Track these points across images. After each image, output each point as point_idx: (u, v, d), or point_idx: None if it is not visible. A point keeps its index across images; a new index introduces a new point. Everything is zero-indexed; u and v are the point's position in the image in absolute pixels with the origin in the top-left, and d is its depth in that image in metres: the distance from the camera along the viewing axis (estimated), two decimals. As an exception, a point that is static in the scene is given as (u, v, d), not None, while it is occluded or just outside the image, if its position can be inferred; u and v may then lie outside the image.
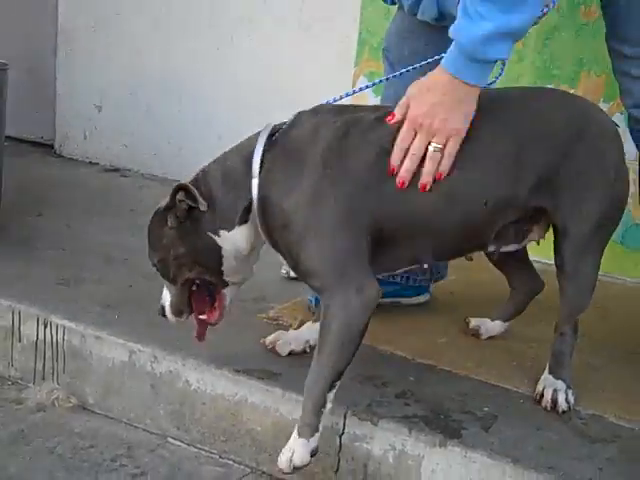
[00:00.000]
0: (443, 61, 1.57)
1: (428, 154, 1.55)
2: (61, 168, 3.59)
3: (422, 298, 2.25)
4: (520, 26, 1.54)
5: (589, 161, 1.67)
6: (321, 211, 1.54)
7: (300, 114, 1.68)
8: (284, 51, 3.21)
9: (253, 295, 2.22)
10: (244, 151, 1.66)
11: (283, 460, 1.52)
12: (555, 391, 1.71)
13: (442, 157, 1.56)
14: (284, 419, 1.70)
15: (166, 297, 1.72)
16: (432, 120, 1.54)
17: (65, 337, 1.97)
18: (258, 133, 1.68)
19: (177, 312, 1.71)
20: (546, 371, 1.76)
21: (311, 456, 1.52)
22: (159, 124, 3.51)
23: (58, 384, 1.99)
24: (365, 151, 1.58)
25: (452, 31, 1.56)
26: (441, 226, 1.61)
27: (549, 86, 2.64)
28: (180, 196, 1.61)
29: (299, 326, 2.01)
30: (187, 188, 1.60)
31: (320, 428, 1.52)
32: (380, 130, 1.60)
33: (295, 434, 1.53)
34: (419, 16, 1.92)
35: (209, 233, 1.63)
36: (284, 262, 1.71)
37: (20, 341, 2.04)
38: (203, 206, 1.59)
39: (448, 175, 1.57)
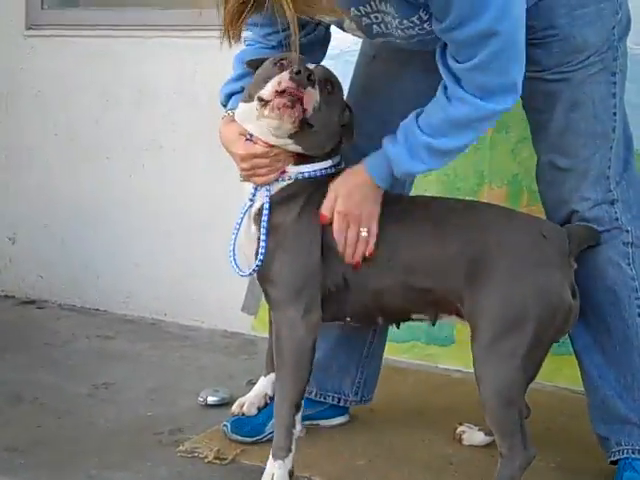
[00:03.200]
0: (369, 166, 1.79)
1: (360, 239, 1.78)
2: (-25, 304, 3.51)
3: (342, 419, 2.23)
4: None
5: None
6: (303, 236, 1.80)
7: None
8: (195, 173, 3.24)
9: (169, 427, 2.17)
10: None
11: None
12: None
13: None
14: None
15: None
16: (360, 213, 1.78)
17: (-32, 486, 1.88)
18: None
19: None
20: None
21: (289, 476, 1.75)
22: (75, 253, 3.48)
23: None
24: None
25: (389, 152, 1.75)
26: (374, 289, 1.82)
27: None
28: None
29: (215, 457, 1.97)
30: None
31: (293, 449, 1.75)
32: None
33: (271, 458, 1.76)
34: None
35: None
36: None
37: None
38: None
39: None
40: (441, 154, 1.73)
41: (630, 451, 1.79)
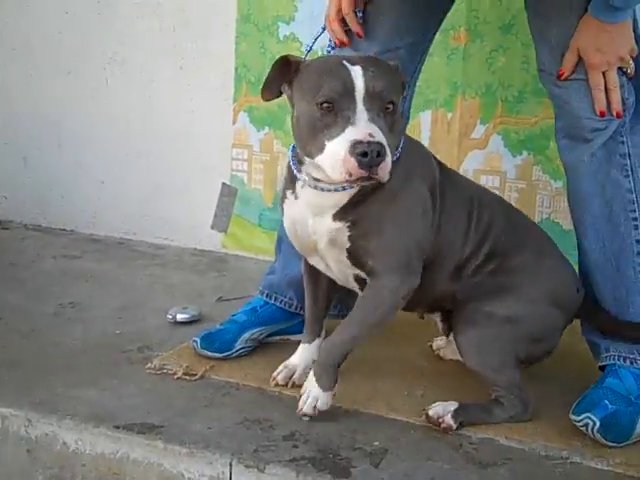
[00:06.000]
0: (594, 12, 1.70)
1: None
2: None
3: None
4: None
5: None
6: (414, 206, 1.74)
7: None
8: (161, 90, 3.15)
9: (137, 344, 2.14)
10: None
11: (308, 406, 1.73)
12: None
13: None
14: (168, 472, 1.62)
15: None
16: (611, 52, 1.73)
17: None
18: None
19: None
20: None
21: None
22: (39, 172, 3.40)
23: None
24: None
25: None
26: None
27: (427, 111, 2.68)
28: None
29: (184, 373, 1.95)
30: None
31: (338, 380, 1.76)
32: None
33: (315, 384, 1.74)
34: None
35: None
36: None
37: None
38: None
39: None
40: None
41: (617, 357, 1.79)
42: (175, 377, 1.94)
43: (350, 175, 1.49)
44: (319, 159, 1.56)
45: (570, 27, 1.75)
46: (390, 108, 1.57)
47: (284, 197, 1.80)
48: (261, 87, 1.67)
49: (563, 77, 1.78)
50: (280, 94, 1.69)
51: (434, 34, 2.10)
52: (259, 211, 3.05)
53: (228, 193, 3.08)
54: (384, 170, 1.51)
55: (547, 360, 1.88)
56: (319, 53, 2.20)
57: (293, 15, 2.93)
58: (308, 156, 1.61)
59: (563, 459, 1.62)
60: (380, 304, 1.72)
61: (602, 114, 1.76)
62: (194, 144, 3.14)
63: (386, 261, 1.70)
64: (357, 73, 1.55)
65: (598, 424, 1.64)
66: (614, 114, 1.77)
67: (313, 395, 1.74)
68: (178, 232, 3.18)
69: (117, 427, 1.69)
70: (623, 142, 1.80)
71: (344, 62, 1.57)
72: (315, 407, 1.73)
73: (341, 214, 1.69)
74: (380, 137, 1.50)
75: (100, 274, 2.78)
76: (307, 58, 1.70)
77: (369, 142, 1.48)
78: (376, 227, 1.68)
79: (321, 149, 1.54)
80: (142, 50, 3.16)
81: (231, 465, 1.59)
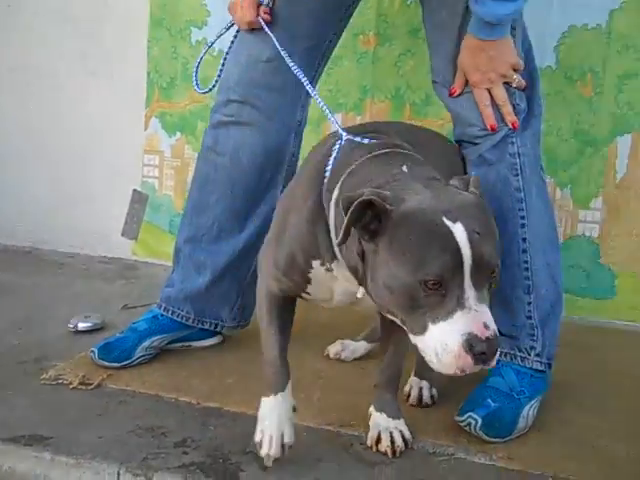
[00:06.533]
0: (474, 31, 1.74)
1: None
2: None
3: (215, 340, 2.22)
4: None
5: None
6: None
7: None
8: (71, 96, 3.12)
9: (35, 355, 2.11)
10: None
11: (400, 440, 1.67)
12: (421, 389, 1.89)
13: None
14: (55, 485, 1.61)
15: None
16: (495, 68, 1.77)
17: None
18: None
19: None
20: (412, 374, 1.91)
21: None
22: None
23: None
24: None
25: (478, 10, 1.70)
26: None
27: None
28: None
29: (80, 383, 1.93)
30: None
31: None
32: None
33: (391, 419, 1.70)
34: None
35: None
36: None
37: None
38: None
39: None
40: None
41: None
42: (70, 387, 1.92)
43: (462, 371, 1.28)
44: (419, 340, 1.31)
45: (459, 44, 1.80)
46: (495, 275, 1.32)
47: (308, 267, 1.54)
48: (340, 235, 1.34)
49: (455, 95, 1.83)
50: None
51: (333, 41, 2.11)
52: (170, 217, 3.04)
53: (139, 200, 3.06)
54: (495, 358, 1.30)
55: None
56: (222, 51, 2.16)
57: (205, 20, 2.94)
58: (390, 316, 1.38)
59: (449, 455, 1.65)
60: None
61: (492, 129, 1.81)
62: (105, 150, 3.11)
63: None
64: (462, 237, 1.27)
65: (480, 422, 1.68)
66: (510, 126, 1.81)
67: (400, 428, 1.69)
68: (88, 240, 3.15)
69: (3, 440, 1.66)
70: (513, 142, 1.84)
71: (444, 220, 1.28)
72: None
73: None
74: (494, 327, 1.28)
75: (4, 284, 2.73)
76: (394, 204, 1.32)
77: (488, 339, 1.26)
78: None
79: (421, 329, 1.30)
80: (53, 55, 3.12)
81: (119, 474, 1.57)
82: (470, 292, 1.26)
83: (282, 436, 1.60)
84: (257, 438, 1.61)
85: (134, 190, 3.07)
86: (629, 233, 2.53)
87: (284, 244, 1.56)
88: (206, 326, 2.17)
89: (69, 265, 2.98)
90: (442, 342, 1.27)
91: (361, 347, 2.17)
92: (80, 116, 3.12)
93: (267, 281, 1.64)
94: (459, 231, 1.27)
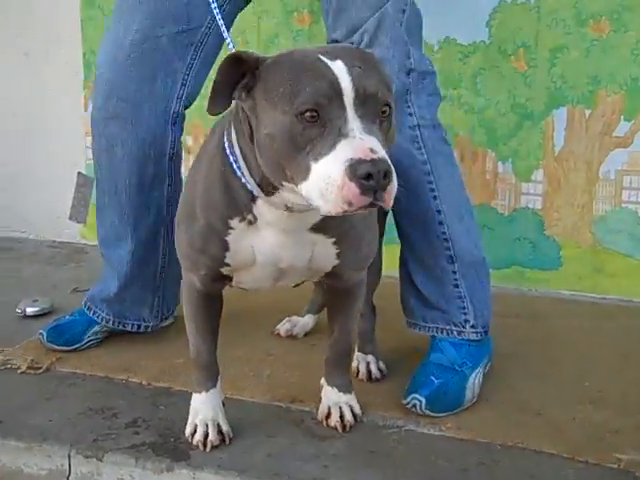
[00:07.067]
0: None
1: None
2: None
3: (166, 321, 2.20)
4: None
5: None
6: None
7: None
8: (9, 82, 3.06)
9: (-19, 341, 2.09)
10: None
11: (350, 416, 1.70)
12: (368, 363, 1.90)
13: None
14: (7, 468, 1.60)
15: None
16: None
17: None
18: None
19: None
20: (356, 349, 1.90)
21: None
22: None
23: None
24: None
25: None
26: None
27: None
28: None
29: (29, 367, 1.91)
30: None
31: None
32: None
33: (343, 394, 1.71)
34: None
35: None
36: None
37: None
38: None
39: None
40: None
41: (434, 329, 1.84)
42: (19, 372, 1.91)
43: (350, 205, 1.16)
44: (303, 187, 1.21)
45: None
46: (387, 112, 1.24)
47: (226, 228, 1.44)
48: (208, 98, 1.29)
49: None
50: (230, 104, 1.32)
51: (209, 27, 1.91)
52: (118, 200, 3.00)
53: (84, 183, 3.03)
54: (391, 195, 1.18)
55: (390, 334, 1.93)
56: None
57: (140, -3, 2.88)
58: (284, 182, 1.27)
59: (398, 427, 1.68)
60: (361, 296, 1.67)
61: None
62: (46, 133, 3.07)
63: (365, 265, 1.62)
64: (340, 68, 1.21)
65: (424, 402, 1.69)
66: None
67: (350, 403, 1.71)
68: (36, 225, 3.11)
69: (-49, 426, 1.65)
70: (411, 114, 1.79)
71: (320, 56, 1.23)
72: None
73: (321, 228, 1.44)
74: (383, 153, 1.18)
75: (-51, 271, 2.69)
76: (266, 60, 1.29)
77: (373, 160, 1.15)
78: (360, 238, 1.53)
79: (305, 173, 1.20)
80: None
81: (70, 456, 1.57)
82: (355, 123, 1.18)
83: (219, 425, 1.61)
84: (188, 431, 1.61)
85: (79, 173, 3.03)
86: (571, 204, 2.57)
87: (197, 217, 1.47)
88: (128, 328, 2.10)
89: (17, 250, 2.95)
90: (325, 176, 1.17)
91: (309, 320, 2.19)
92: (19, 98, 3.07)
93: (188, 276, 1.59)
94: (337, 64, 1.21)
